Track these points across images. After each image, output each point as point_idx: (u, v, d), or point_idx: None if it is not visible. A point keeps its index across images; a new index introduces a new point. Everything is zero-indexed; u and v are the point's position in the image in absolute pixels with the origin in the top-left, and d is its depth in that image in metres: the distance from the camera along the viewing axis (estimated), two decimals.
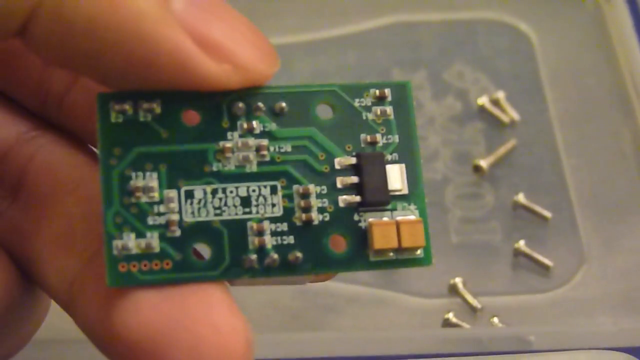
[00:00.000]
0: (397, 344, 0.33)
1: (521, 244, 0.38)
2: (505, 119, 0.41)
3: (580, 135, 0.41)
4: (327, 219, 0.22)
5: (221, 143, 0.21)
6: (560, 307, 0.36)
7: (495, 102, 0.41)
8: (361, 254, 0.22)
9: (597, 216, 0.39)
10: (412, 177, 0.22)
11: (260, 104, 0.22)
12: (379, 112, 0.22)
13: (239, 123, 0.22)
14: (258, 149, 0.21)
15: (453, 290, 0.37)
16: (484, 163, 0.40)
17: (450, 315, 0.36)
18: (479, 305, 0.36)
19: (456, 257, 0.37)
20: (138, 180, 0.21)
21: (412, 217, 0.22)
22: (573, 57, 0.43)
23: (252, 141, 0.21)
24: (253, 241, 0.21)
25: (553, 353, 0.32)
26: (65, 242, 0.22)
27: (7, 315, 0.23)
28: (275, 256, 0.21)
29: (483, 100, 0.41)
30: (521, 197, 0.39)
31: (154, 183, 0.21)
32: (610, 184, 0.40)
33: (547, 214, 0.39)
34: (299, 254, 0.21)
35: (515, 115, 0.41)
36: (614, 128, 0.41)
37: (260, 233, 0.21)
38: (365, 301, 0.36)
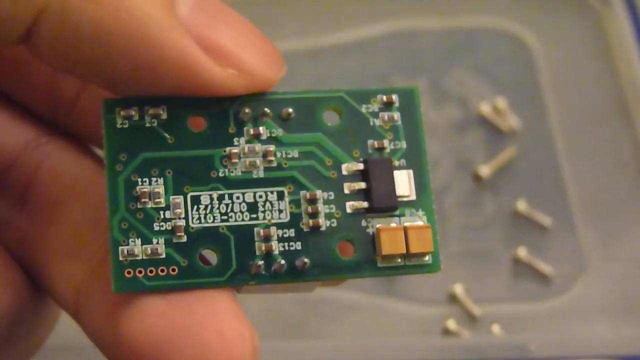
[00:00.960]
0: (397, 352, 0.33)
1: (521, 251, 0.38)
2: (505, 126, 0.41)
3: (580, 143, 0.41)
4: (334, 224, 0.21)
5: (227, 149, 0.21)
6: (560, 315, 0.36)
7: (495, 110, 0.41)
8: (369, 260, 0.22)
9: (597, 224, 0.39)
10: (420, 182, 0.22)
11: (267, 110, 0.22)
12: (386, 118, 0.22)
13: (245, 129, 0.21)
14: (265, 155, 0.21)
15: (453, 298, 0.37)
16: (483, 171, 0.40)
17: (450, 323, 0.36)
18: (478, 313, 0.36)
19: (456, 265, 0.38)
20: (144, 186, 0.21)
21: (420, 223, 0.22)
22: (573, 64, 0.43)
23: (258, 147, 0.21)
24: (260, 247, 0.21)
25: None
26: (72, 249, 0.22)
27: (17, 323, 0.23)
28: (283, 262, 0.21)
29: (483, 108, 0.41)
30: (521, 205, 0.39)
31: (160, 189, 0.21)
32: (610, 192, 0.40)
33: (547, 221, 0.39)
34: (307, 260, 0.21)
35: (515, 122, 0.41)
36: (613, 135, 0.41)
37: (267, 239, 0.21)
38: (365, 309, 0.36)
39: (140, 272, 0.20)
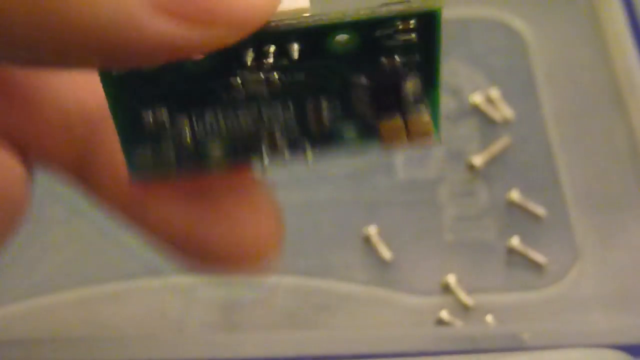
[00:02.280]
0: (390, 342, 0.33)
1: (515, 241, 0.38)
2: (499, 116, 0.41)
3: (574, 133, 0.41)
4: (340, 124, 0.22)
5: (231, 79, 0.21)
6: (554, 304, 0.36)
7: (489, 100, 0.41)
8: (373, 140, 0.22)
9: (591, 213, 0.39)
10: (429, 84, 0.21)
11: (271, 46, 0.21)
12: (402, 41, 0.21)
13: (248, 61, 0.21)
14: (269, 81, 0.21)
15: (447, 288, 0.37)
16: (477, 161, 0.40)
17: (444, 313, 0.36)
18: (472, 303, 0.36)
19: (450, 255, 0.37)
20: (148, 115, 0.21)
21: (424, 118, 0.22)
22: (567, 54, 0.43)
23: (263, 75, 0.21)
24: (266, 146, 0.22)
25: (547, 351, 0.32)
26: (62, 122, 0.22)
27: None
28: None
29: (477, 98, 0.41)
30: (515, 195, 0.39)
31: (164, 117, 0.21)
32: (604, 181, 0.40)
33: (541, 211, 0.38)
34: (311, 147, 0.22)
35: (509, 112, 0.41)
36: (608, 125, 0.41)
37: (273, 140, 0.22)
38: (359, 299, 0.36)
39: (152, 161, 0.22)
